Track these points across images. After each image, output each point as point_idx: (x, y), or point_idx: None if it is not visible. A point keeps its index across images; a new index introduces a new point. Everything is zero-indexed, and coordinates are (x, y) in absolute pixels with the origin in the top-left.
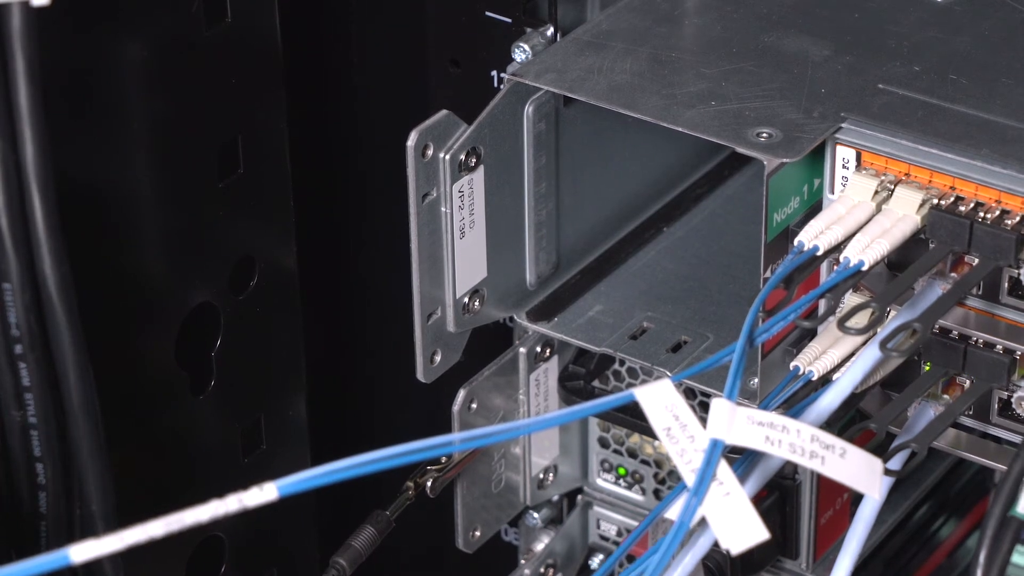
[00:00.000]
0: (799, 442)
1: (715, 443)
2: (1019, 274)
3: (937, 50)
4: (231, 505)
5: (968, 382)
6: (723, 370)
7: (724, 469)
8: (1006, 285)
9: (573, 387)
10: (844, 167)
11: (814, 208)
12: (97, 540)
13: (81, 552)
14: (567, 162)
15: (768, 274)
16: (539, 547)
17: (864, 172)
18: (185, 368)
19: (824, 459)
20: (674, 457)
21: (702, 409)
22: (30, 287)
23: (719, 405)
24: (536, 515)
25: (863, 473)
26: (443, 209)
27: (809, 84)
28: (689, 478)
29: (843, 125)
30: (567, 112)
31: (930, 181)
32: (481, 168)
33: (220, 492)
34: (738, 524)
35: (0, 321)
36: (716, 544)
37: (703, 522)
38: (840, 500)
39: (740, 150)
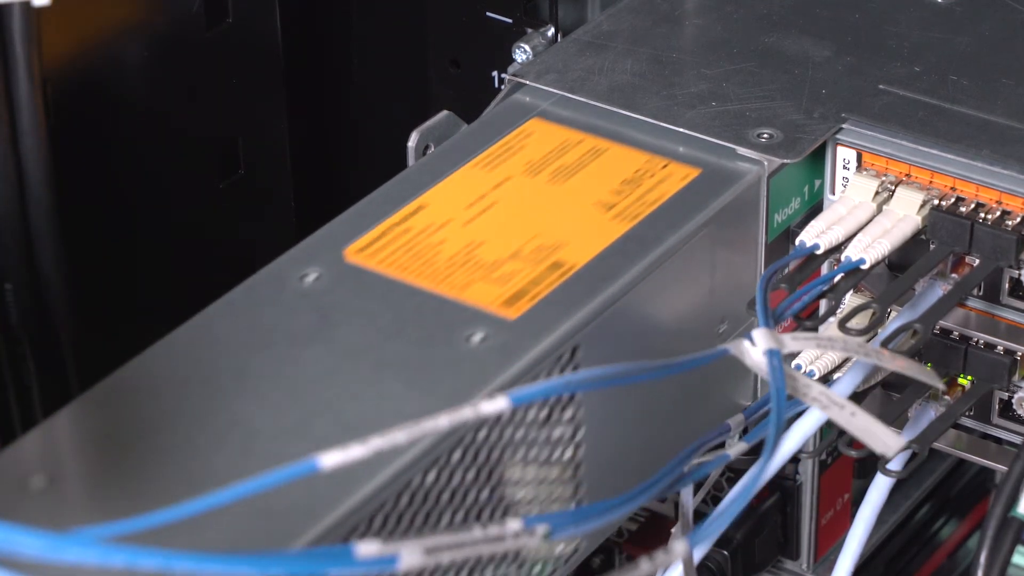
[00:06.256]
0: (850, 349)
1: (771, 353)
2: (1020, 275)
3: (937, 51)
4: (467, 413)
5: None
6: None
7: (837, 396)
8: (1007, 286)
9: None
10: (845, 168)
11: (815, 209)
12: (344, 448)
13: (331, 458)
14: None
15: None
16: None
17: (865, 173)
18: None
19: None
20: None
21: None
22: (30, 287)
23: (760, 332)
24: None
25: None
26: None
27: (810, 85)
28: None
29: (844, 126)
30: None
31: (931, 182)
32: None
33: None
34: (877, 435)
35: (0, 321)
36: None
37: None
38: (841, 501)
39: (741, 151)
